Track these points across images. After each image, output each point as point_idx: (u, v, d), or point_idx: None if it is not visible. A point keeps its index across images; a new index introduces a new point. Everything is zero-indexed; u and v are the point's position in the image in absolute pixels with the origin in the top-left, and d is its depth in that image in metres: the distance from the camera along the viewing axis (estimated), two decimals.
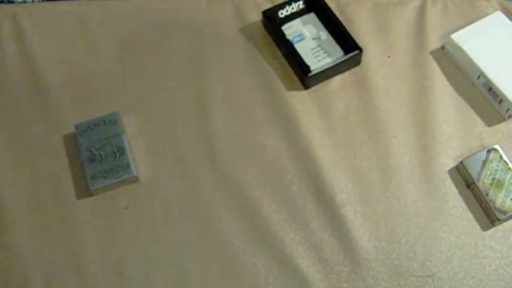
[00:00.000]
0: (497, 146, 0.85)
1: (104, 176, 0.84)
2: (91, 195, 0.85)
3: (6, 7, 1.02)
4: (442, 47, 0.97)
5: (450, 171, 0.86)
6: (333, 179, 0.86)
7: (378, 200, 0.84)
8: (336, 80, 0.95)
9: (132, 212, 0.84)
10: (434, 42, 0.98)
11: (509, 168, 0.83)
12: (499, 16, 0.96)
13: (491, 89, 0.90)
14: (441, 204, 0.84)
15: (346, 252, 0.81)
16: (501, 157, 0.84)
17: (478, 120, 0.91)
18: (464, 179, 0.85)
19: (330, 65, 0.92)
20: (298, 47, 0.96)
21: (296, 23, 0.99)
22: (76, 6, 1.03)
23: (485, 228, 0.82)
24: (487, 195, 0.82)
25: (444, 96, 0.92)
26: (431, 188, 0.85)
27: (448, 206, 0.84)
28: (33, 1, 1.03)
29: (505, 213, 0.80)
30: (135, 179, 0.86)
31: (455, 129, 0.90)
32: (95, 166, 0.85)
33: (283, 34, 0.97)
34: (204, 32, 1.00)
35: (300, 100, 0.92)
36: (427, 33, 0.98)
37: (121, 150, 0.86)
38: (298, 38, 0.97)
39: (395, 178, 0.86)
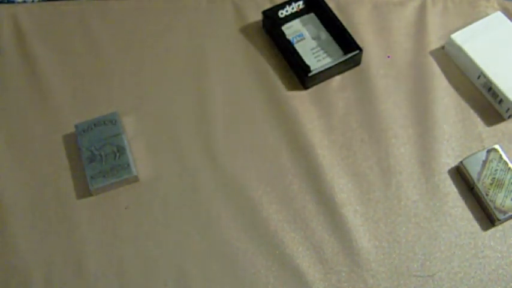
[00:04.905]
0: (497, 146, 0.85)
1: (104, 176, 0.84)
2: (91, 195, 0.85)
3: (6, 7, 1.02)
4: (442, 47, 0.97)
5: (450, 171, 0.86)
6: (333, 179, 0.86)
7: (377, 200, 0.84)
8: (336, 80, 0.95)
9: (132, 212, 0.84)
10: (434, 42, 0.98)
11: (509, 168, 0.83)
12: (499, 16, 0.96)
13: (491, 89, 0.90)
14: (441, 204, 0.84)
15: (346, 252, 0.81)
16: (501, 157, 0.84)
17: (478, 120, 0.91)
18: (464, 179, 0.85)
19: (330, 65, 0.92)
20: (298, 47, 0.96)
21: (296, 23, 0.99)
22: (76, 6, 1.03)
23: (485, 228, 0.82)
24: (487, 195, 0.82)
25: (444, 96, 0.93)
26: (431, 188, 0.85)
27: (448, 206, 0.84)
28: (33, 1, 1.03)
29: (505, 213, 0.80)
30: (135, 179, 0.86)
31: (455, 129, 0.90)
32: (95, 166, 0.85)
33: (283, 34, 0.97)
34: (204, 32, 1.00)
35: (300, 100, 0.92)
36: (427, 33, 0.98)
37: (121, 150, 0.86)
38: (298, 38, 0.97)
39: (395, 178, 0.86)
